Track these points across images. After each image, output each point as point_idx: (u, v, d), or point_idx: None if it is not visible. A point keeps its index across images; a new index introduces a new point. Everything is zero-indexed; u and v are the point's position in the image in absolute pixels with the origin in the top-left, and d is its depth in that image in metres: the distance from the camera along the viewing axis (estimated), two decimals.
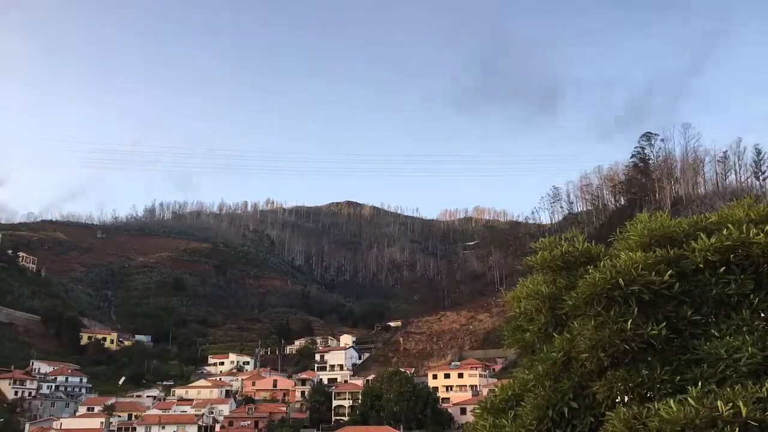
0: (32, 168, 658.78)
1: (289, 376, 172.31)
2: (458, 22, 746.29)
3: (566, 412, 9.49)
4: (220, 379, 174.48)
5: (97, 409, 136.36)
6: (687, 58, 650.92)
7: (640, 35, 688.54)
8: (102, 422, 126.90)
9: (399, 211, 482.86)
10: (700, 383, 8.13)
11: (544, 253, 11.07)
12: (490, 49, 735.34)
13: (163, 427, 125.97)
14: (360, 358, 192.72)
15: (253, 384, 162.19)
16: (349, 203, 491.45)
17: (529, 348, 11.28)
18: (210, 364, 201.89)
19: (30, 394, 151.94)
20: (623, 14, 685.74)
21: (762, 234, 9.39)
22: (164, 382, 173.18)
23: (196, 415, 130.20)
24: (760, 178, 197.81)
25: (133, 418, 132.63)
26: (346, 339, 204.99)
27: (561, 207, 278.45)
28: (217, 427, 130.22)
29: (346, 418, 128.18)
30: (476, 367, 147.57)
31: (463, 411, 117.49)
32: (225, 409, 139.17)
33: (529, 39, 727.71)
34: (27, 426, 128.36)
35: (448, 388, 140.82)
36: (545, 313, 10.71)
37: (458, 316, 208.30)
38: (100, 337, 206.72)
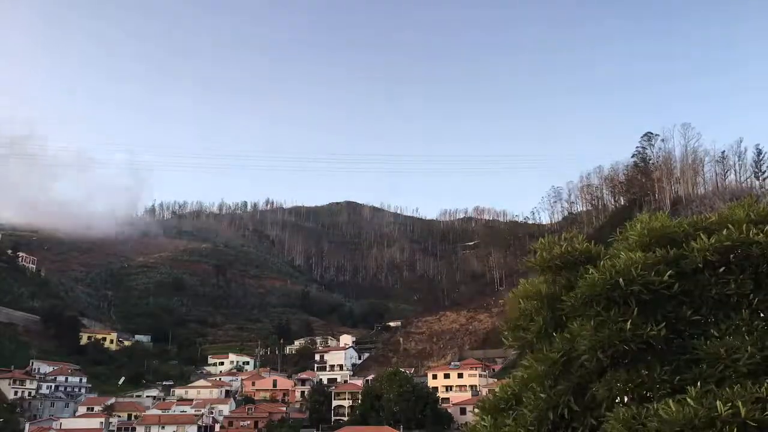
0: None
1: (289, 376, 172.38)
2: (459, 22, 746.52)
3: (566, 413, 9.48)
4: (220, 379, 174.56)
5: (96, 409, 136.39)
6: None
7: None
8: (102, 422, 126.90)
9: (399, 211, 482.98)
10: (699, 383, 8.14)
11: (544, 253, 11.06)
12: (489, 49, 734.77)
13: (163, 427, 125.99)
14: (360, 358, 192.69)
15: (253, 384, 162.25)
16: (349, 203, 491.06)
17: (529, 348, 11.27)
18: (210, 364, 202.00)
19: (30, 394, 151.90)
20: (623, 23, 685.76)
21: (762, 234, 9.39)
22: (164, 382, 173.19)
23: (196, 415, 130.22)
24: (760, 178, 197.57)
25: (132, 418, 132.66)
26: (346, 339, 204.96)
27: (561, 207, 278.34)
28: (217, 427, 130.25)
29: (345, 418, 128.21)
30: (476, 367, 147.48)
31: (463, 411, 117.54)
32: (225, 409, 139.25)
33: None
34: (27, 426, 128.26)
35: (448, 388, 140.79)
36: (545, 314, 10.70)
37: (458, 316, 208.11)
38: (99, 337, 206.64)
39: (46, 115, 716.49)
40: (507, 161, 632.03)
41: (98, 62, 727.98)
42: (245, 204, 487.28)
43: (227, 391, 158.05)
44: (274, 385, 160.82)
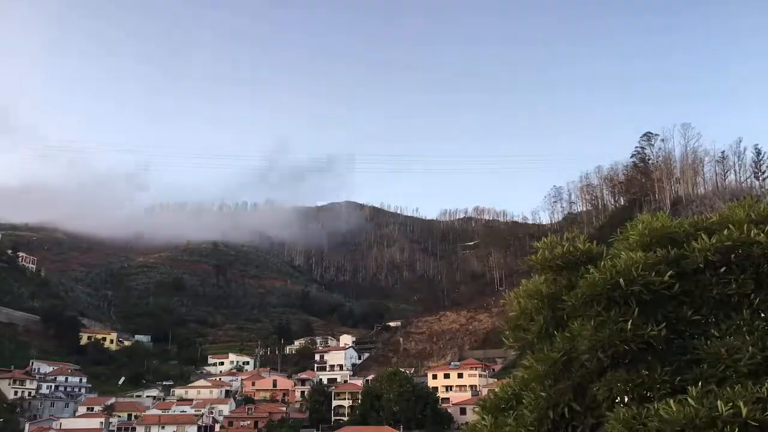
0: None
1: (289, 376, 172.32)
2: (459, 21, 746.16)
3: (566, 412, 9.47)
4: (220, 379, 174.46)
5: (96, 409, 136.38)
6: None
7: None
8: (102, 422, 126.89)
9: (399, 211, 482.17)
10: (700, 383, 8.13)
11: (545, 252, 11.05)
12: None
13: (163, 427, 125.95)
14: (360, 358, 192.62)
15: (253, 384, 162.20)
16: (349, 203, 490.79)
17: (529, 348, 11.26)
18: (210, 364, 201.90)
19: (30, 394, 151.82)
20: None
21: (762, 234, 9.38)
22: (164, 382, 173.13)
23: (196, 415, 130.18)
24: (760, 178, 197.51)
25: (132, 418, 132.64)
26: (346, 339, 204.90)
27: (561, 207, 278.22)
28: (217, 427, 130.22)
29: (345, 418, 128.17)
30: (476, 367, 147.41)
31: (463, 411, 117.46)
32: (225, 409, 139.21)
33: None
34: (27, 426, 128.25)
35: (448, 388, 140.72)
36: (545, 313, 10.69)
37: (458, 316, 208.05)
38: (99, 337, 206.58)
39: (45, 115, 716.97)
40: (507, 161, 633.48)
41: (98, 62, 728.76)
42: (245, 204, 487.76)
43: (227, 391, 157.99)
44: (274, 385, 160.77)
